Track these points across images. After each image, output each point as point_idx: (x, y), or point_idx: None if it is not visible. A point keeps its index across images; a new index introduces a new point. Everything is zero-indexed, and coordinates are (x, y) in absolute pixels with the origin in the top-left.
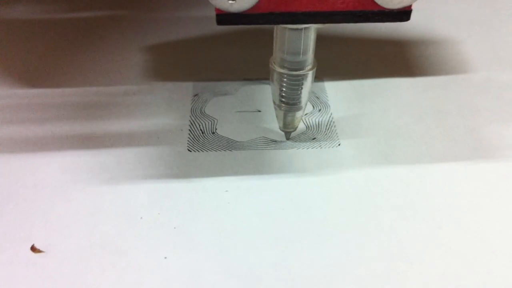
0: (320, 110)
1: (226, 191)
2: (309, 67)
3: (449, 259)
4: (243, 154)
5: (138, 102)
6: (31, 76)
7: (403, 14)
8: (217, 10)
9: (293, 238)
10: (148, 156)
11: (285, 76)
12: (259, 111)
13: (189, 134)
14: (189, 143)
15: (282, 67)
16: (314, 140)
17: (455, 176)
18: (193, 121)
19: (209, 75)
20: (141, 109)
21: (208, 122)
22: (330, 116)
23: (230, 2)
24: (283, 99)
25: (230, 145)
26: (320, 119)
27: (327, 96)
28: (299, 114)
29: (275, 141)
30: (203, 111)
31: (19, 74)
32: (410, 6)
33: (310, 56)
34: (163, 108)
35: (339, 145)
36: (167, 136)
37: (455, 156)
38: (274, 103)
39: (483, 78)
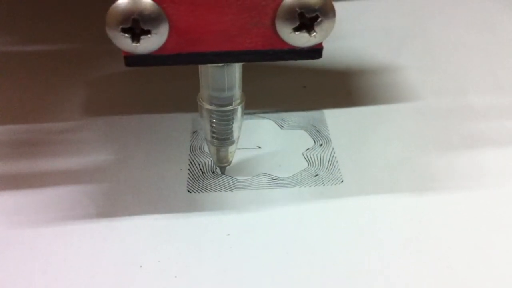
0: (321, 144)
1: (228, 234)
2: (238, 101)
3: None
4: (244, 194)
5: (137, 136)
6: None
7: (314, 51)
8: (124, 52)
9: (299, 281)
10: (147, 199)
11: (214, 112)
12: (259, 147)
13: (188, 174)
14: (188, 183)
15: (210, 103)
16: (317, 177)
17: (462, 208)
18: (192, 159)
19: None
20: (140, 147)
21: (208, 161)
22: (332, 151)
23: (134, 44)
24: (214, 135)
25: (231, 184)
26: (322, 154)
27: (328, 130)
28: (232, 148)
29: (277, 179)
30: (202, 149)
31: None
32: (321, 44)
33: (237, 91)
34: (162, 146)
35: (342, 182)
36: (166, 176)
37: (461, 187)
38: (206, 139)
39: (484, 105)
